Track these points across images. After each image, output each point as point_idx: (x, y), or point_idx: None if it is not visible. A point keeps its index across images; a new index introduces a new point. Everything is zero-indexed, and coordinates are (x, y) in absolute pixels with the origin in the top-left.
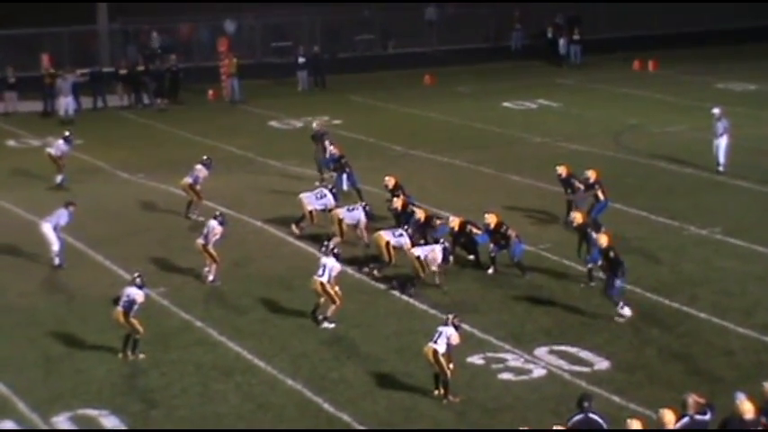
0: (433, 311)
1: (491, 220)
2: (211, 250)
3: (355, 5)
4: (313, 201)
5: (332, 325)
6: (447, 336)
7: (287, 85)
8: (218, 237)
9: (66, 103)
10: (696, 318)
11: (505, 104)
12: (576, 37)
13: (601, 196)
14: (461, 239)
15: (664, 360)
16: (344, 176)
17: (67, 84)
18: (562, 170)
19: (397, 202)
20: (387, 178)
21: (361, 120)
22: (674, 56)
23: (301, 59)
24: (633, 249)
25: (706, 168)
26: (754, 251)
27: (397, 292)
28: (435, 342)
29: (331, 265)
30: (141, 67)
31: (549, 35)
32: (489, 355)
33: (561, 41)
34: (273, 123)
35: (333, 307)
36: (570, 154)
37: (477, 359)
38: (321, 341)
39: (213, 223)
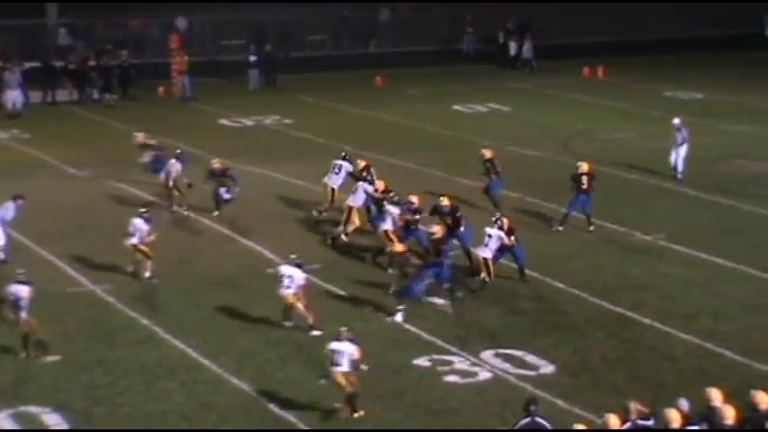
0: (379, 313)
1: (446, 202)
2: (143, 247)
3: (308, 5)
4: (334, 179)
5: (320, 332)
6: (348, 354)
7: (238, 83)
8: (145, 235)
9: (13, 97)
10: (640, 323)
11: (456, 107)
12: (527, 42)
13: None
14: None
15: (608, 365)
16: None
17: (15, 77)
18: (488, 153)
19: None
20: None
21: (312, 120)
22: (624, 63)
23: (253, 58)
24: (579, 254)
25: (652, 175)
26: (697, 258)
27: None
28: (338, 365)
29: (297, 276)
30: (93, 63)
31: (501, 39)
32: (435, 357)
33: (512, 45)
34: (224, 122)
35: (311, 316)
36: (520, 158)
37: (423, 361)
38: (267, 341)
39: (138, 222)
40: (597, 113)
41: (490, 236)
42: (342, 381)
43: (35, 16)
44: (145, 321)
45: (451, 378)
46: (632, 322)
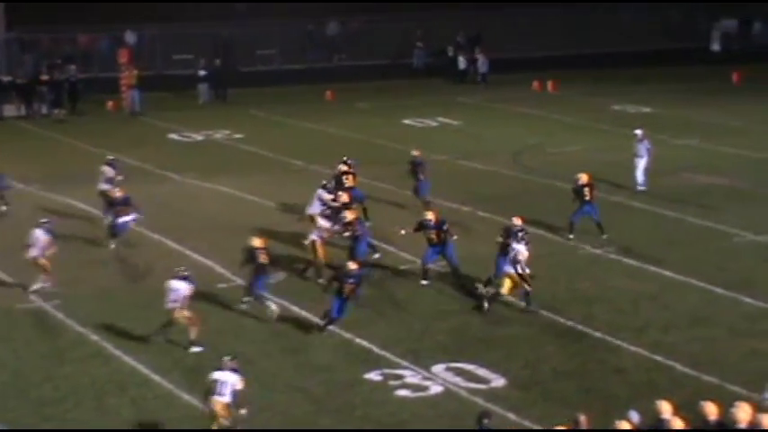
0: (330, 327)
1: (432, 216)
2: (42, 261)
3: (258, 20)
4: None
5: (201, 348)
6: (231, 384)
7: (188, 97)
8: (45, 246)
9: None
10: (591, 336)
11: (406, 121)
12: (477, 56)
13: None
14: None
15: (558, 378)
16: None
17: None
18: (417, 153)
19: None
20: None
21: (262, 134)
22: (573, 77)
23: (202, 72)
24: (529, 267)
25: (601, 188)
26: (646, 270)
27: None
28: (221, 394)
29: (182, 288)
30: (45, 77)
31: (451, 53)
32: (386, 371)
33: (461, 59)
34: (173, 136)
35: (194, 329)
36: (470, 172)
37: (374, 375)
38: (218, 355)
39: (38, 232)
40: (547, 127)
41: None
42: (221, 411)
43: None
44: (94, 337)
45: (403, 392)
46: (583, 335)
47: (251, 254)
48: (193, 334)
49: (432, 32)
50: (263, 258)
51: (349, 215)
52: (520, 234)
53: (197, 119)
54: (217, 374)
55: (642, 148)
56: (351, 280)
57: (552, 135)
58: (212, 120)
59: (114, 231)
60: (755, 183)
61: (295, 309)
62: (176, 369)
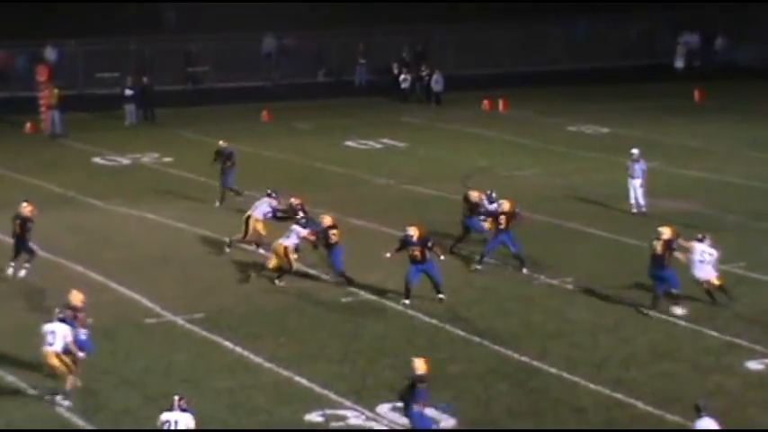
0: (268, 365)
1: (414, 232)
2: None
3: (186, 35)
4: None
5: (67, 402)
6: (185, 425)
7: (113, 118)
8: None
9: None
10: (546, 372)
11: (348, 143)
12: (424, 73)
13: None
14: None
15: (513, 417)
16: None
17: None
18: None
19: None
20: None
21: (193, 158)
22: (526, 96)
23: (128, 92)
24: (480, 299)
25: (557, 215)
26: (604, 303)
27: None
28: None
29: (62, 331)
30: None
31: (395, 70)
32: (328, 411)
33: (404, 77)
34: (97, 160)
35: (70, 378)
36: (417, 196)
37: (315, 416)
38: (146, 397)
39: None
40: (498, 149)
41: None
42: None
43: None
44: (11, 378)
45: None
46: (538, 372)
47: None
48: (70, 384)
49: (375, 48)
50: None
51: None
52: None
53: (123, 141)
54: (165, 415)
55: (638, 168)
56: (415, 245)
57: (504, 157)
58: (140, 142)
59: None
60: (721, 208)
61: (228, 344)
62: (102, 412)
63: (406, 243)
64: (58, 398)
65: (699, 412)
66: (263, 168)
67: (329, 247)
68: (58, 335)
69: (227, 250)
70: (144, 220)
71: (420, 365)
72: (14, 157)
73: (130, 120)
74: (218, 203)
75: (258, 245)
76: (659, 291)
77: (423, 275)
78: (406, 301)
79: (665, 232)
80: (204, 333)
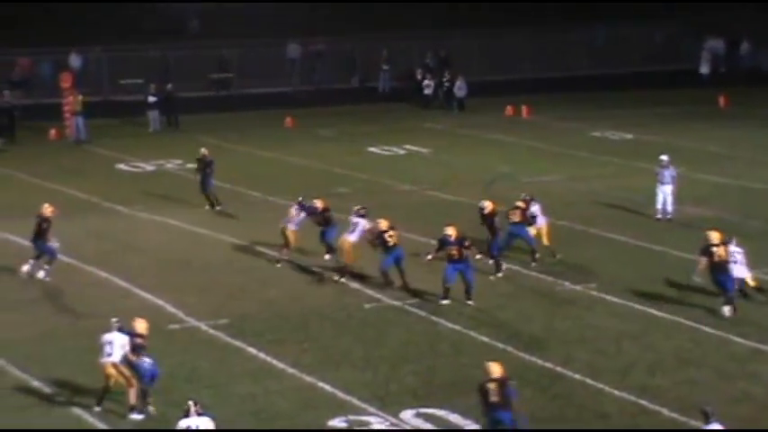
0: (291, 371)
1: (452, 232)
2: None
3: (213, 41)
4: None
5: (141, 416)
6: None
7: (137, 125)
8: None
9: None
10: (570, 378)
11: (371, 149)
12: (445, 79)
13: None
14: None
15: (537, 422)
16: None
17: None
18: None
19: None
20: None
21: (217, 164)
22: (549, 101)
23: (152, 98)
24: (504, 305)
25: (579, 220)
26: (629, 308)
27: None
28: None
29: (120, 341)
30: None
31: (419, 76)
32: (351, 417)
33: (427, 83)
34: (121, 166)
35: (132, 391)
36: (439, 203)
37: (338, 422)
38: (170, 402)
39: None
40: (521, 155)
41: None
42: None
43: None
44: (36, 383)
45: None
46: (562, 378)
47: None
48: (133, 397)
49: (399, 54)
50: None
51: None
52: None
53: (147, 148)
54: (185, 422)
55: (667, 175)
56: (453, 245)
57: (526, 163)
58: (163, 149)
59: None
60: (744, 214)
61: (251, 350)
62: (125, 421)
63: (444, 243)
64: (133, 415)
65: (707, 418)
66: (285, 174)
67: (387, 249)
68: (115, 345)
69: (278, 266)
70: (167, 226)
71: (496, 369)
72: (39, 164)
73: (154, 126)
74: (208, 207)
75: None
76: (731, 293)
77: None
78: (445, 302)
79: (716, 236)
80: (228, 339)
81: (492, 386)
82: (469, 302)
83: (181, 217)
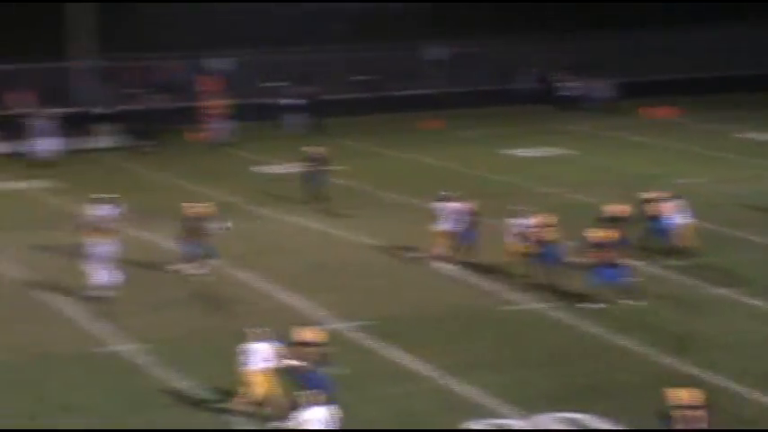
0: (431, 372)
1: (607, 235)
2: None
3: (353, 45)
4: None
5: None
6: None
7: (279, 127)
8: None
9: (41, 145)
10: (714, 383)
11: (510, 151)
12: (601, 81)
13: None
14: None
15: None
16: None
17: (43, 124)
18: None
19: None
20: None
21: (357, 166)
22: (692, 103)
23: (294, 101)
24: (646, 309)
25: (725, 223)
26: None
27: None
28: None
29: (264, 351)
30: (126, 107)
31: (560, 78)
32: (490, 420)
33: (570, 85)
34: (261, 168)
35: (275, 400)
36: (580, 206)
37: (476, 425)
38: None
39: None
40: (664, 157)
41: None
42: None
43: (59, 59)
44: (184, 383)
45: None
46: (706, 383)
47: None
48: (274, 405)
49: (538, 55)
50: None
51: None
52: None
53: (287, 150)
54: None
55: None
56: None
57: (671, 165)
58: (303, 151)
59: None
60: None
61: (392, 352)
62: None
63: (593, 245)
64: (273, 424)
65: None
66: (423, 176)
67: (543, 244)
68: (258, 354)
69: (455, 266)
70: (310, 229)
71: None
72: (181, 166)
73: (297, 129)
74: (310, 204)
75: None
76: None
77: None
78: (589, 305)
79: None
80: (366, 340)
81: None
82: (626, 301)
83: (324, 219)
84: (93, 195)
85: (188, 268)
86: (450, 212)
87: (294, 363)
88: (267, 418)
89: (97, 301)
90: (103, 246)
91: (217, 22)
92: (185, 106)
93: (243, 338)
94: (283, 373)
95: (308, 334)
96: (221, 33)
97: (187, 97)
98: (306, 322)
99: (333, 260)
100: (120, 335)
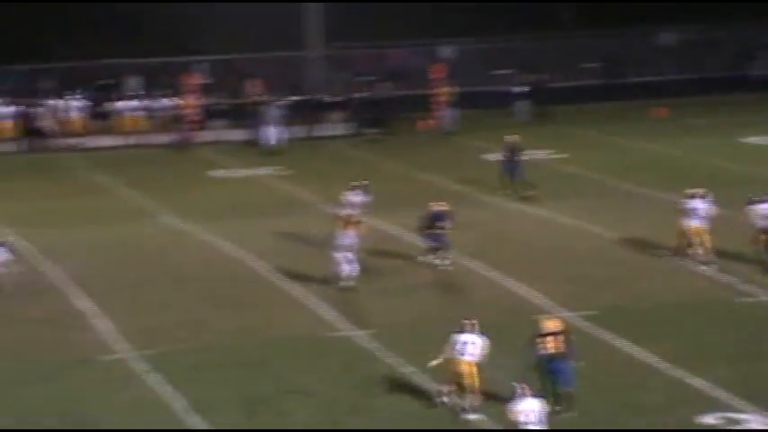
0: (661, 365)
1: None
2: None
3: (581, 32)
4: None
5: (478, 416)
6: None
7: (505, 115)
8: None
9: (271, 133)
10: None
11: (745, 140)
12: None
13: None
14: None
15: None
16: None
17: (274, 112)
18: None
19: None
20: None
21: (586, 154)
22: None
23: (520, 89)
24: None
25: None
26: None
27: None
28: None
29: (480, 343)
30: (359, 95)
31: None
32: (724, 414)
33: None
34: (489, 156)
35: (472, 396)
36: None
37: (710, 419)
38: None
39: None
40: None
41: None
42: None
43: (295, 48)
44: (410, 368)
45: None
46: None
47: None
48: (475, 400)
49: None
50: None
51: None
52: None
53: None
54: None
55: None
56: None
57: None
58: (532, 138)
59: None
60: None
61: (620, 343)
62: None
63: None
64: (470, 415)
65: None
66: (656, 165)
67: None
68: (475, 346)
69: (706, 268)
70: (536, 217)
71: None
72: (410, 154)
73: (522, 117)
74: (506, 193)
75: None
76: None
77: None
78: None
79: None
80: (596, 330)
81: None
82: None
83: (551, 207)
84: (352, 182)
85: (433, 259)
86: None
87: (551, 350)
88: (469, 409)
89: (339, 289)
90: (350, 236)
91: (445, 8)
92: (415, 94)
93: (462, 327)
94: (537, 361)
95: (553, 323)
96: (449, 21)
97: (417, 85)
98: (534, 312)
99: (563, 249)
100: (349, 320)
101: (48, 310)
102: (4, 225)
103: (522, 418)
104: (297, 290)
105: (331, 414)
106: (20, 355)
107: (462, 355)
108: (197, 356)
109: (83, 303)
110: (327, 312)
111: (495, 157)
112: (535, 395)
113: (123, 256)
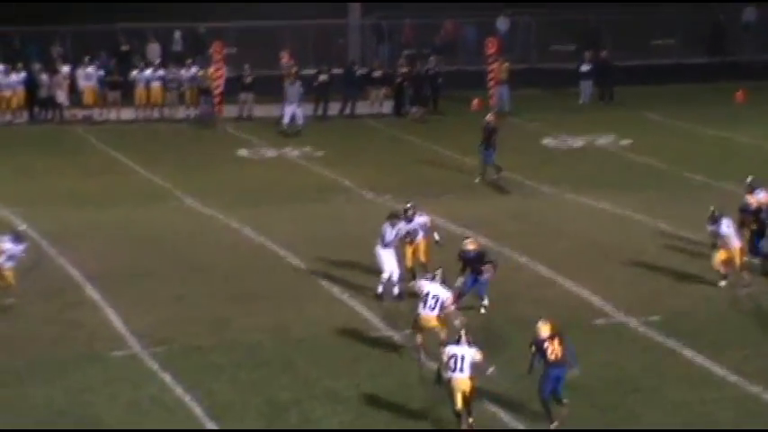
0: (732, 378)
1: None
2: (5, 272)
3: (652, 5)
4: None
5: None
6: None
7: (566, 96)
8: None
9: (291, 112)
10: None
11: None
12: None
13: None
14: None
15: None
16: None
17: (295, 89)
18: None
19: None
20: None
21: (655, 141)
22: None
23: (585, 67)
24: None
25: None
26: None
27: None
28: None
29: (443, 296)
30: (404, 70)
31: None
32: None
33: None
34: (547, 141)
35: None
36: None
37: None
38: (593, 406)
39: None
40: None
41: None
42: None
43: (335, 16)
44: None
45: None
46: None
47: None
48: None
49: None
50: None
51: None
52: None
53: (576, 121)
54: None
55: None
56: None
57: None
58: (595, 123)
59: None
60: None
61: (687, 353)
62: (540, 418)
63: None
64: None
65: None
66: (735, 155)
67: None
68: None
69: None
70: (597, 210)
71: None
72: (460, 135)
73: (585, 98)
74: (477, 180)
75: None
76: None
77: None
78: None
79: None
80: (660, 338)
81: None
82: None
83: (613, 199)
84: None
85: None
86: None
87: (553, 357)
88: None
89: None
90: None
91: None
92: (467, 70)
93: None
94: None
95: (550, 327)
96: None
97: (470, 60)
98: (592, 314)
99: (625, 246)
100: (387, 319)
101: (56, 302)
102: (10, 205)
103: (451, 363)
104: (328, 284)
105: (362, 422)
106: (26, 351)
107: (431, 309)
108: (215, 355)
109: (93, 294)
110: (363, 310)
111: (554, 142)
112: (470, 343)
113: (138, 242)
